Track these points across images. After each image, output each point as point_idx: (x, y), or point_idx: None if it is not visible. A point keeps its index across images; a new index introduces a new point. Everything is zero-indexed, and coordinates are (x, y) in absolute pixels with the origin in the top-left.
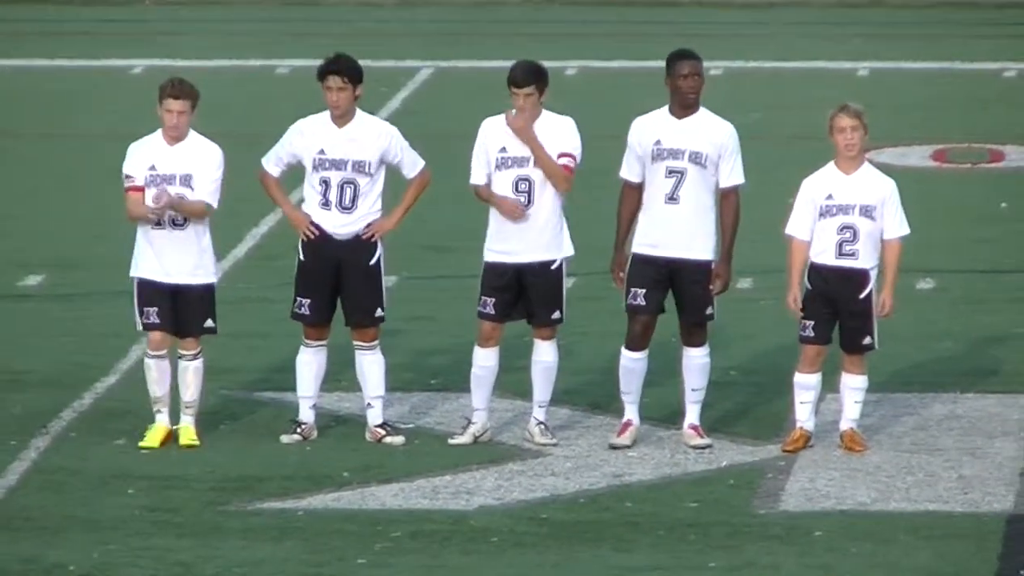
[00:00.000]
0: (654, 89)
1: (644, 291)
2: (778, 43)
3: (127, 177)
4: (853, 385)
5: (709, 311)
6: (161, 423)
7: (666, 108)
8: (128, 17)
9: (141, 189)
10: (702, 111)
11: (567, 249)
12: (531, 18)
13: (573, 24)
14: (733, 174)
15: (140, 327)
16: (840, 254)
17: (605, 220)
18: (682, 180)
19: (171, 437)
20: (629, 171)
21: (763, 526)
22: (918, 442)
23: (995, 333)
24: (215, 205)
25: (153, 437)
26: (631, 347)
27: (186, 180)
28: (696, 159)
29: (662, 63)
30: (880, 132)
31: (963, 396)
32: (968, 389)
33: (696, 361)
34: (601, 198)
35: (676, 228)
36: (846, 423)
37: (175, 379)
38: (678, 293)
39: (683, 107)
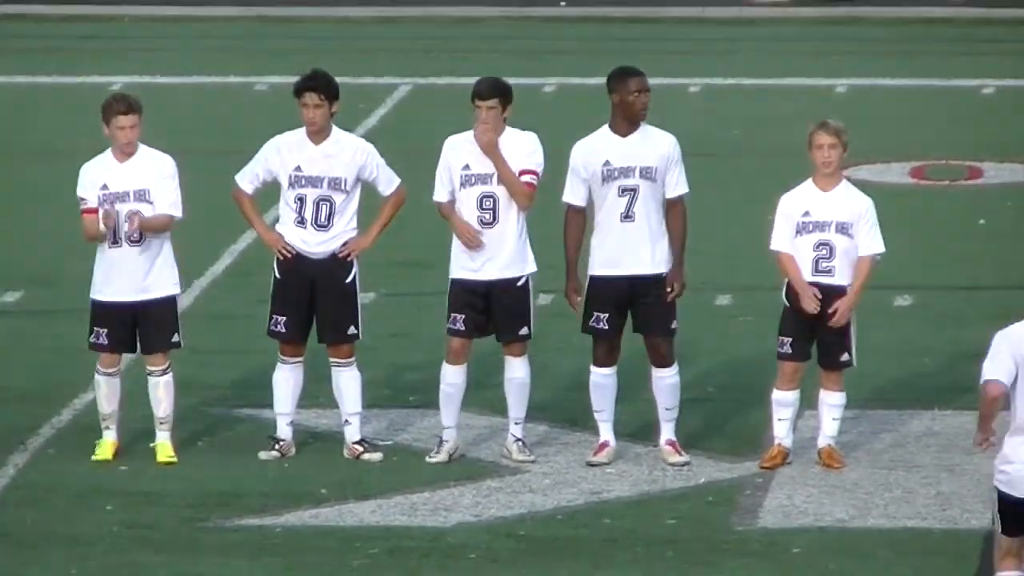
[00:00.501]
0: None
1: (607, 315)
2: (756, 60)
3: (81, 200)
4: (831, 402)
5: (673, 325)
6: (109, 438)
7: (606, 128)
8: (107, 34)
9: (95, 211)
10: (642, 126)
11: (531, 265)
12: (509, 35)
13: (551, 41)
14: (679, 184)
15: (89, 347)
16: (816, 271)
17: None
18: (635, 197)
19: (120, 450)
20: (574, 195)
21: (741, 543)
22: (896, 459)
23: (973, 350)
24: (179, 215)
25: (104, 450)
26: (599, 364)
27: (141, 195)
28: (647, 174)
29: None
30: (858, 149)
31: (941, 413)
32: (946, 406)
33: (666, 381)
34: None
35: (634, 245)
36: (824, 440)
37: (145, 395)
38: (641, 310)
39: (631, 123)
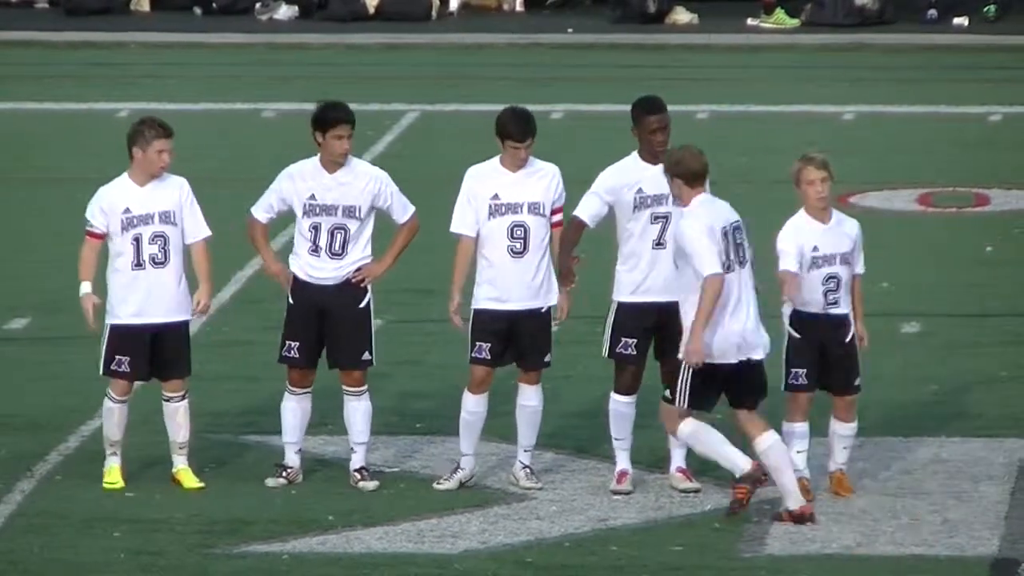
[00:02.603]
0: None
1: (635, 341)
2: (763, 87)
3: (87, 221)
4: (844, 432)
5: None
6: (113, 464)
7: (635, 155)
8: (114, 60)
9: (101, 237)
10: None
11: (554, 296)
12: (517, 62)
13: (558, 68)
14: None
15: (104, 373)
16: (827, 303)
17: (588, 265)
18: (667, 224)
19: (124, 476)
20: (587, 212)
21: (748, 570)
22: (903, 486)
23: (981, 377)
24: (209, 232)
25: (115, 476)
26: (622, 392)
27: (166, 217)
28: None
29: None
30: (865, 176)
31: (948, 440)
32: (953, 433)
33: None
34: (583, 242)
35: (666, 272)
36: (835, 466)
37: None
38: (667, 337)
39: (654, 156)
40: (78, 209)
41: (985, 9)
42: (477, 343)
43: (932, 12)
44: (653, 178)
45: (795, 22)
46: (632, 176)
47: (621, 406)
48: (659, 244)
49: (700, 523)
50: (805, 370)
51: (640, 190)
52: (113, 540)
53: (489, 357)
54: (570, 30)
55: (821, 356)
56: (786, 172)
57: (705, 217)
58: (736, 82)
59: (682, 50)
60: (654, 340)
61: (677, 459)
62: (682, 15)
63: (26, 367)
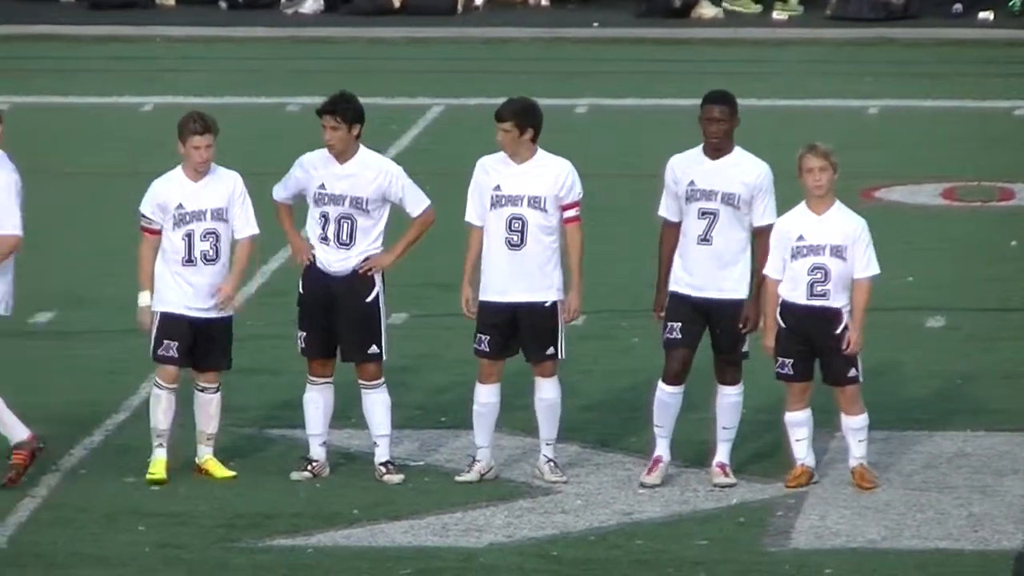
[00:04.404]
0: (664, 127)
1: (680, 325)
2: (788, 81)
3: (143, 217)
4: (853, 426)
5: (744, 348)
6: (161, 456)
7: (700, 148)
8: (139, 54)
9: (157, 233)
10: (736, 151)
11: (558, 292)
12: (541, 56)
13: (582, 62)
14: (767, 213)
15: (153, 358)
16: (812, 294)
17: (611, 259)
18: (715, 221)
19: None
20: (668, 210)
21: (773, 564)
22: (928, 480)
23: (1004, 371)
24: (257, 231)
25: (159, 468)
26: (668, 381)
27: (217, 214)
28: (729, 200)
29: (673, 101)
30: (891, 170)
31: (973, 434)
32: (978, 427)
33: (728, 399)
34: (607, 236)
35: (708, 269)
36: (854, 461)
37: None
38: (713, 331)
39: (713, 149)
40: (103, 203)
41: (1011, 3)
42: (478, 335)
43: (958, 6)
44: (709, 172)
45: (757, 8)
46: (689, 167)
47: (665, 395)
48: (704, 240)
49: (725, 517)
50: (792, 360)
51: (692, 182)
52: (137, 533)
53: (488, 349)
54: (595, 24)
55: (812, 347)
56: None
57: None
58: (761, 76)
59: (707, 44)
60: (709, 332)
61: (720, 454)
62: (707, 9)
63: (51, 361)
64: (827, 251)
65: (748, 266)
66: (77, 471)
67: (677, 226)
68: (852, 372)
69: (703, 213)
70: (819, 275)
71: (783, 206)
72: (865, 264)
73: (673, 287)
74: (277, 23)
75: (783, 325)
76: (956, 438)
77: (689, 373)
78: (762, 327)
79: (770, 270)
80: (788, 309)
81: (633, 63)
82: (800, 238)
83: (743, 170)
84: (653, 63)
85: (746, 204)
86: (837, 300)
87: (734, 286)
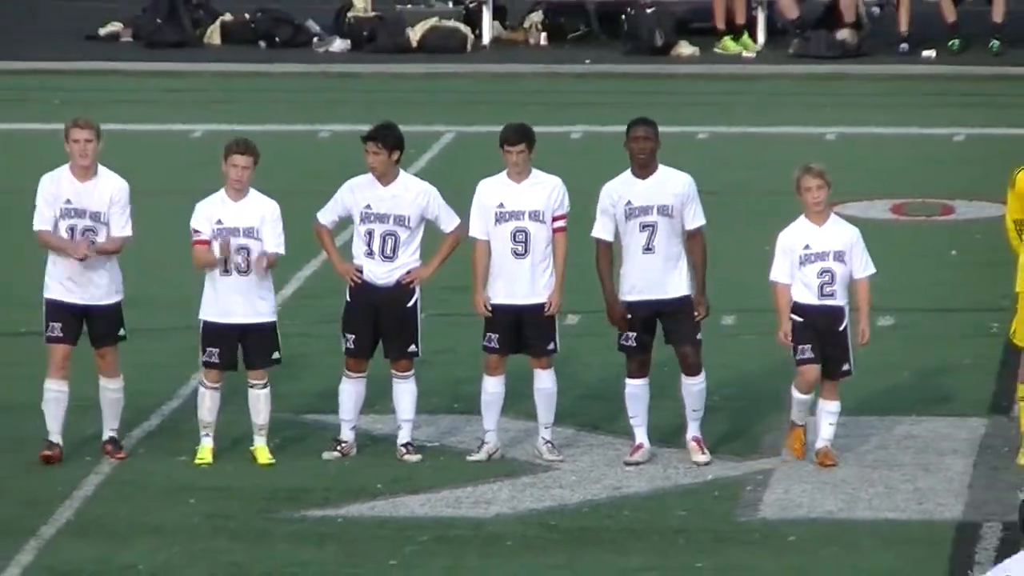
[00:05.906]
0: None
1: (635, 335)
2: (758, 110)
3: (195, 231)
4: (829, 409)
5: (698, 336)
6: (207, 444)
7: (628, 172)
8: (189, 87)
9: (207, 243)
10: (661, 168)
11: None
12: (542, 88)
13: (576, 94)
14: (696, 217)
15: (201, 363)
16: (822, 295)
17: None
18: (655, 232)
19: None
20: (604, 231)
21: (743, 532)
22: (879, 459)
23: (947, 365)
24: (283, 251)
25: (206, 454)
26: (632, 376)
27: (249, 232)
28: (664, 211)
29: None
30: (846, 189)
31: (919, 419)
32: (923, 413)
33: (694, 388)
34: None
35: (655, 274)
36: (821, 442)
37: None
38: (669, 326)
39: (639, 167)
40: (157, 217)
41: (950, 44)
42: (487, 333)
43: (904, 46)
44: (642, 191)
45: (739, 49)
46: (623, 190)
47: (633, 388)
48: (648, 249)
49: (702, 491)
50: (810, 344)
51: (629, 202)
52: (189, 506)
53: (497, 347)
54: (587, 61)
55: (822, 340)
56: (778, 185)
57: None
58: (735, 106)
59: (685, 78)
60: (662, 330)
61: (692, 429)
62: (685, 48)
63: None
64: (831, 256)
65: (687, 266)
66: (136, 452)
67: (610, 245)
68: (846, 366)
69: (643, 226)
70: (827, 277)
71: (758, 218)
72: (864, 265)
73: (626, 297)
74: (310, 60)
75: (799, 319)
76: (904, 422)
77: (649, 366)
78: (781, 329)
79: (779, 275)
80: (801, 310)
81: (621, 95)
82: (806, 247)
83: (671, 184)
84: (638, 95)
85: (678, 212)
86: (841, 299)
87: (679, 285)
